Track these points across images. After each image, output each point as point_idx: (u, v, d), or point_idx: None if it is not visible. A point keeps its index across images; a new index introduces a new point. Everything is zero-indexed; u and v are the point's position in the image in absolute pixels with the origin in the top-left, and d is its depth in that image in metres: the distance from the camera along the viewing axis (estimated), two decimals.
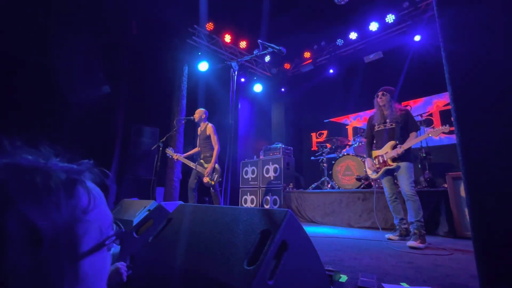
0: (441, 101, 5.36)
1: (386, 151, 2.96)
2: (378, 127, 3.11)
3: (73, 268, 0.35)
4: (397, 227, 3.01)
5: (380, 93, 3.10)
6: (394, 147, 2.91)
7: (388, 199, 3.04)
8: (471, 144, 0.68)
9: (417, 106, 5.52)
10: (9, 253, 0.30)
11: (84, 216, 0.37)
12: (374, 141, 3.24)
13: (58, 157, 0.40)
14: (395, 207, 3.02)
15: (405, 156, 2.84)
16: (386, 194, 3.05)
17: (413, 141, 2.84)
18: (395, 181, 3.09)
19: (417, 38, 5.34)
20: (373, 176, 3.15)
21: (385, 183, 3.05)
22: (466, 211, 2.32)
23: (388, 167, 2.93)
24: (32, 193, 0.33)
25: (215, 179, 3.73)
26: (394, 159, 2.89)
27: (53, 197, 0.34)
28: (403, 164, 2.82)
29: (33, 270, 0.31)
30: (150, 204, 2.54)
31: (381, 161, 3.00)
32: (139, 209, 2.50)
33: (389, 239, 2.95)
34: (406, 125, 2.94)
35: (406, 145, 2.81)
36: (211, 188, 3.78)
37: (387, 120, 3.03)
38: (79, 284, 0.35)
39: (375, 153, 3.11)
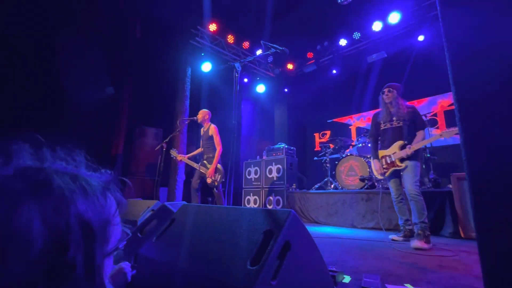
0: (445, 101, 5.32)
1: (394, 151, 2.86)
2: (384, 125, 2.99)
3: (102, 263, 0.39)
4: (402, 228, 2.95)
5: (386, 90, 2.97)
6: (402, 147, 2.80)
7: (394, 200, 2.98)
8: (475, 144, 0.68)
9: (421, 106, 5.48)
10: (71, 244, 0.34)
11: (113, 219, 0.42)
12: (379, 140, 3.13)
13: (85, 166, 0.45)
14: (401, 208, 2.95)
15: (413, 155, 2.75)
16: (392, 195, 2.99)
17: (424, 142, 2.75)
18: (402, 181, 3.00)
19: (420, 37, 5.31)
20: (380, 177, 3.07)
21: (392, 184, 2.97)
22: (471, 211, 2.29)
23: (396, 168, 2.84)
24: (83, 195, 0.38)
25: (218, 180, 3.75)
26: (402, 160, 2.79)
27: (97, 199, 0.40)
28: (410, 163, 2.74)
29: (87, 263, 0.35)
30: (154, 204, 2.56)
31: (388, 161, 2.91)
32: (143, 209, 2.52)
33: (393, 239, 2.90)
34: (414, 123, 2.83)
35: (416, 146, 2.71)
36: (214, 189, 3.79)
37: (394, 118, 2.90)
38: (103, 278, 0.39)
39: (381, 153, 3.00)
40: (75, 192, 0.37)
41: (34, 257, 0.31)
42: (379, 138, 3.12)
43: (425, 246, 2.45)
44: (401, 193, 2.94)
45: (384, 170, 2.95)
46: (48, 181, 0.36)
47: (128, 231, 0.50)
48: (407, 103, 3.00)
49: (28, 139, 0.41)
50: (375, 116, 3.14)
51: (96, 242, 0.37)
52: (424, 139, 2.79)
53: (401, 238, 2.88)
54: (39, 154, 0.40)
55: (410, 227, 2.87)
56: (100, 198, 0.40)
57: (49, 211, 0.33)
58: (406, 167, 2.76)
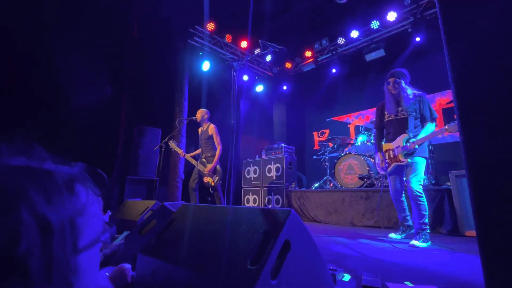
0: (444, 98, 5.33)
1: (398, 145, 2.67)
2: (389, 117, 2.79)
3: (75, 259, 0.38)
4: (400, 223, 2.90)
5: (391, 80, 2.72)
6: (407, 141, 2.62)
7: (393, 197, 2.86)
8: (475, 141, 0.68)
9: None
10: (23, 238, 0.33)
11: (83, 210, 0.40)
12: (385, 133, 2.94)
13: (50, 159, 0.44)
14: (400, 204, 2.85)
15: (419, 151, 2.59)
16: (391, 192, 2.85)
17: (428, 136, 2.56)
18: (403, 178, 2.82)
19: (419, 35, 5.32)
20: (382, 172, 2.94)
21: (392, 180, 2.82)
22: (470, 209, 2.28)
23: (399, 163, 2.67)
24: (42, 190, 0.37)
25: (215, 181, 3.73)
26: (406, 155, 2.62)
27: (58, 193, 0.38)
28: (415, 159, 2.58)
29: (44, 259, 0.34)
30: (153, 204, 2.55)
31: (391, 156, 2.73)
32: (142, 210, 2.51)
33: (392, 237, 2.88)
34: (422, 114, 2.63)
35: (419, 141, 2.54)
36: (210, 189, 3.78)
37: (399, 109, 2.70)
38: (78, 275, 0.38)
39: (385, 146, 2.82)
40: (27, 187, 0.36)
41: None
42: (384, 129, 2.94)
43: (424, 244, 2.46)
44: (400, 189, 2.82)
45: (387, 164, 2.81)
46: None
47: (107, 220, 0.49)
48: (416, 90, 2.77)
49: None
50: (381, 108, 2.94)
51: (54, 237, 0.35)
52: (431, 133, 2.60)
53: (399, 236, 2.83)
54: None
55: (409, 222, 2.82)
56: (63, 190, 0.39)
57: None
58: (409, 163, 2.60)
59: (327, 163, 5.39)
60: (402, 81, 2.71)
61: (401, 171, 2.78)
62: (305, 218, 4.75)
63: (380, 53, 5.91)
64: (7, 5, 3.53)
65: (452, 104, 4.96)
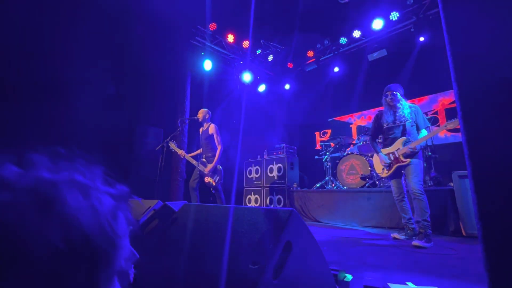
0: (446, 98, 5.31)
1: (398, 147, 2.89)
2: (387, 125, 3.03)
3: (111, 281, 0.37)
4: (405, 226, 2.95)
5: (389, 93, 3.00)
6: (406, 143, 2.84)
7: (396, 199, 2.99)
8: (477, 142, 0.67)
9: (422, 104, 5.46)
10: (70, 263, 0.33)
11: (119, 240, 0.39)
12: (380, 140, 3.19)
13: (101, 180, 0.43)
14: (403, 207, 2.95)
15: (416, 154, 2.80)
16: (394, 194, 3.01)
17: (426, 136, 2.79)
18: (403, 180, 3.02)
19: (421, 35, 5.29)
20: (383, 174, 3.08)
21: (393, 182, 3.00)
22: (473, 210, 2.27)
23: (401, 164, 2.86)
24: (91, 213, 0.36)
25: (216, 180, 3.73)
26: (406, 156, 2.82)
27: (106, 219, 0.37)
28: (413, 161, 2.78)
29: (84, 282, 0.33)
30: (155, 204, 2.55)
31: (392, 158, 2.94)
32: (144, 209, 2.51)
33: (394, 238, 2.91)
34: (416, 123, 2.91)
35: (417, 142, 2.76)
36: (211, 189, 3.78)
37: (397, 116, 2.97)
38: None
39: (384, 151, 3.05)
40: (82, 210, 0.35)
41: (34, 267, 0.31)
42: (380, 137, 3.19)
43: (426, 245, 2.45)
44: (402, 191, 2.97)
45: (389, 165, 2.96)
46: (57, 197, 0.35)
47: (135, 252, 0.49)
48: (409, 102, 3.07)
49: (45, 148, 0.40)
50: (378, 117, 3.17)
51: (98, 263, 0.35)
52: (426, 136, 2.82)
53: (403, 237, 2.88)
54: (56, 165, 0.39)
55: (413, 225, 2.86)
56: (109, 218, 0.38)
57: (52, 228, 0.32)
58: (410, 163, 2.78)
59: (329, 163, 5.38)
60: (398, 93, 2.97)
61: (400, 174, 2.97)
62: (307, 218, 4.75)
63: (382, 53, 5.89)
64: (9, 4, 3.55)
65: (454, 104, 4.93)
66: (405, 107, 2.94)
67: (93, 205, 0.37)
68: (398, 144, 2.91)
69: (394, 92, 2.96)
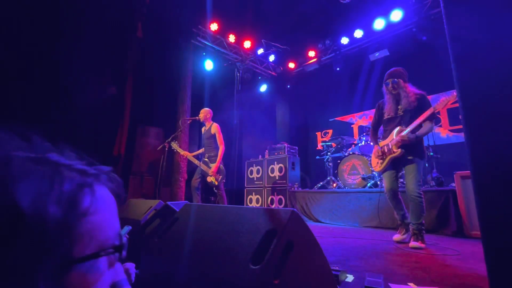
0: (448, 98, 5.28)
1: (392, 138, 2.66)
2: (388, 115, 2.76)
3: (61, 272, 0.31)
4: (400, 222, 2.74)
5: (389, 81, 2.69)
6: (400, 132, 2.61)
7: (388, 195, 2.72)
8: (480, 142, 0.67)
9: None
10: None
11: (82, 218, 0.34)
12: (383, 131, 2.92)
13: (81, 160, 0.40)
14: (397, 203, 2.72)
15: (415, 151, 2.54)
16: (386, 189, 2.73)
17: (419, 119, 2.49)
18: (398, 176, 2.75)
19: (423, 34, 5.27)
20: (377, 168, 2.81)
21: (386, 177, 2.72)
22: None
23: (393, 155, 2.61)
24: (34, 179, 0.32)
25: (219, 180, 3.73)
26: (399, 146, 2.57)
27: (55, 188, 0.32)
28: (414, 160, 2.53)
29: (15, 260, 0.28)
30: (157, 204, 2.56)
31: (385, 150, 2.70)
32: (145, 209, 2.52)
33: (396, 241, 2.72)
34: (421, 111, 2.54)
35: (411, 125, 2.50)
36: (214, 188, 3.78)
37: (399, 107, 2.68)
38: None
39: (382, 143, 2.80)
40: (24, 175, 0.31)
41: None
42: (380, 127, 2.96)
43: (423, 245, 2.44)
44: (395, 188, 2.69)
45: (382, 156, 2.73)
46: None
47: (124, 237, 0.41)
48: (415, 88, 2.72)
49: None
50: (380, 106, 2.92)
51: (32, 238, 0.29)
52: (431, 130, 2.55)
53: (403, 236, 2.70)
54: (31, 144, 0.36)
55: (408, 220, 2.66)
56: (64, 189, 0.33)
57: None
58: (406, 161, 2.56)
59: (330, 164, 5.37)
60: (401, 80, 2.68)
61: (397, 166, 2.70)
62: (308, 218, 4.74)
63: (384, 52, 5.87)
64: (12, 6, 3.57)
65: (457, 104, 4.91)
66: (410, 95, 2.61)
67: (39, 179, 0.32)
68: (393, 134, 2.68)
69: (396, 80, 2.67)
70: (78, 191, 0.35)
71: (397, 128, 2.66)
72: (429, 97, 2.73)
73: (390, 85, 2.71)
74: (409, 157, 2.56)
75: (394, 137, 2.64)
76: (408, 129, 2.55)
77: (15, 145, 0.35)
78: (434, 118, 2.56)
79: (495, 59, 0.67)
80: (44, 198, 0.31)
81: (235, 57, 6.51)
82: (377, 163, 2.82)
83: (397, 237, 2.76)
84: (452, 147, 5.02)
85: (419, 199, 2.50)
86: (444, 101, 2.48)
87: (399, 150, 2.57)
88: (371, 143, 4.28)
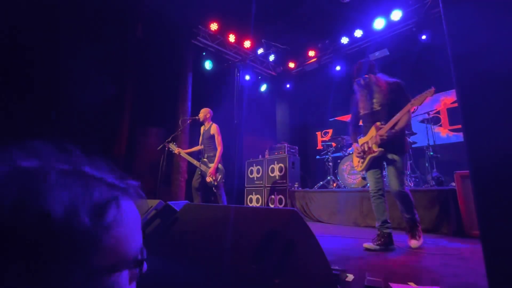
0: (448, 98, 5.29)
1: (371, 136, 2.50)
2: (364, 112, 2.61)
3: (86, 283, 0.31)
4: (378, 231, 2.46)
5: (361, 80, 2.55)
6: (378, 129, 2.45)
7: (371, 195, 2.54)
8: (478, 142, 0.67)
9: (424, 104, 5.36)
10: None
11: (107, 230, 0.34)
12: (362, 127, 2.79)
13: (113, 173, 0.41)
14: (379, 206, 2.50)
15: (395, 147, 2.40)
16: (370, 189, 2.57)
17: (396, 117, 2.32)
18: (382, 174, 2.60)
19: (423, 34, 5.27)
20: (358, 167, 2.64)
21: (369, 176, 2.57)
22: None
23: (373, 155, 2.46)
24: (67, 190, 0.33)
25: (218, 180, 3.74)
26: (379, 145, 2.42)
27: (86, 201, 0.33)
28: (392, 157, 2.40)
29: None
30: (157, 203, 2.56)
31: (366, 148, 2.54)
32: (146, 209, 2.52)
33: (366, 248, 2.38)
34: (397, 102, 2.39)
35: (388, 125, 2.35)
36: (213, 188, 3.79)
37: (374, 101, 2.53)
38: None
39: (361, 141, 2.66)
40: (58, 183, 0.32)
41: None
42: (359, 123, 2.82)
43: (421, 241, 2.41)
44: (380, 187, 2.53)
45: (362, 156, 2.59)
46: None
47: (144, 254, 0.42)
48: (388, 78, 2.58)
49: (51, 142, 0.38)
50: (355, 103, 2.78)
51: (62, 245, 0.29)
52: (409, 119, 2.41)
53: (376, 246, 2.36)
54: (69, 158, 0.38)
55: (388, 230, 2.43)
56: (92, 206, 0.34)
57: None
58: (387, 160, 2.44)
59: (330, 163, 5.37)
60: (371, 75, 2.54)
61: (379, 165, 2.56)
62: (308, 218, 4.74)
63: (384, 52, 5.87)
64: (12, 6, 3.57)
65: (456, 104, 4.91)
66: (383, 88, 2.47)
67: (74, 193, 0.33)
68: (372, 131, 2.51)
69: (366, 76, 2.53)
70: (106, 204, 0.36)
71: (377, 124, 2.49)
72: (429, 97, 2.63)
73: (362, 82, 2.58)
74: (389, 155, 2.44)
75: (374, 134, 2.49)
76: (386, 127, 2.40)
77: (55, 157, 0.37)
78: (408, 102, 2.40)
79: (495, 59, 0.67)
80: (75, 209, 0.32)
81: (235, 57, 6.51)
82: (358, 161, 2.67)
83: (368, 244, 2.43)
84: (452, 146, 5.02)
85: (403, 193, 2.36)
86: (421, 97, 2.34)
87: (379, 149, 2.44)
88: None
